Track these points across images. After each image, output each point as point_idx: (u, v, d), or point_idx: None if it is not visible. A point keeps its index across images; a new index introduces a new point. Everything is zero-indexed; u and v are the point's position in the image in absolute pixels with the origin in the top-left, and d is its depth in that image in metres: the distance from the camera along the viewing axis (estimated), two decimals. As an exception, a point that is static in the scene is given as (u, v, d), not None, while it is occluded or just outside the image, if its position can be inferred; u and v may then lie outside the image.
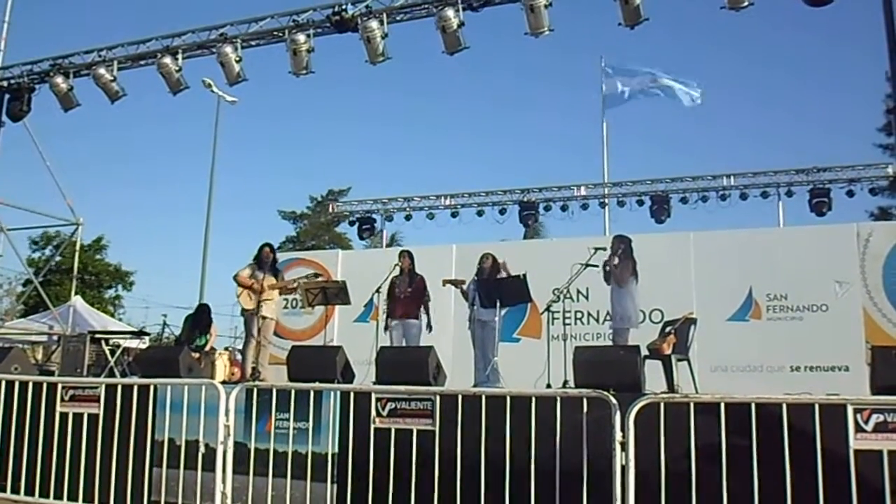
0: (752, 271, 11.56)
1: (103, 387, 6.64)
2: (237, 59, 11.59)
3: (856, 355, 10.54)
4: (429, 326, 9.98)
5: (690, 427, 4.61)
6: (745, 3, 9.10)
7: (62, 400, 6.66)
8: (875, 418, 4.40)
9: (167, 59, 12.00)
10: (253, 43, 11.81)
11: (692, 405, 4.69)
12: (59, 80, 12.75)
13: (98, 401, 6.51)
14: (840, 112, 47.24)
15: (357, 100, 61.63)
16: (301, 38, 11.18)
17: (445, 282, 10.35)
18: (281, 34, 11.46)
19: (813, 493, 4.32)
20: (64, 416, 6.61)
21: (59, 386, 6.79)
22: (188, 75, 12.32)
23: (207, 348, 11.52)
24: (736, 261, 11.64)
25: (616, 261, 9.36)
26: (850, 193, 15.24)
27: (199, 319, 11.70)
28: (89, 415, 6.49)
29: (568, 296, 9.43)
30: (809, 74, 49.86)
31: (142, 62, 12.52)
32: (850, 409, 4.43)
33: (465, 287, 9.86)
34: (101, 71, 12.40)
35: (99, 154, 58.81)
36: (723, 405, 4.61)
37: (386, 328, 9.98)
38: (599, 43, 47.33)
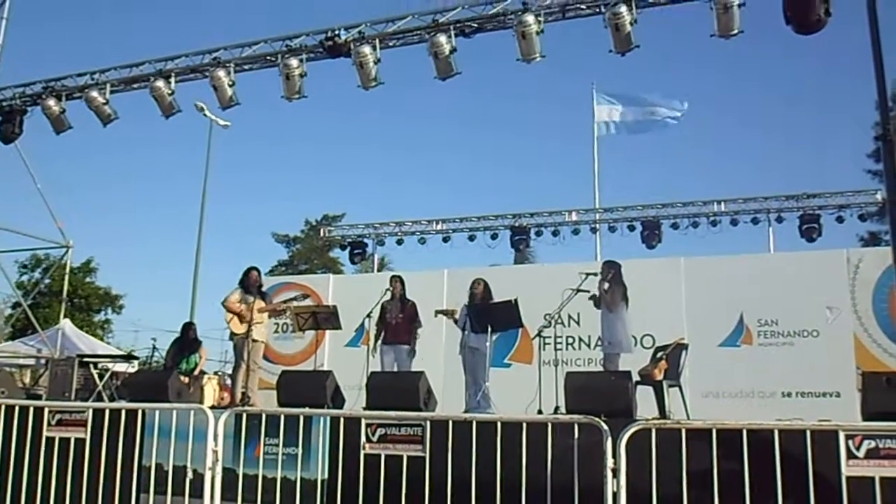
0: (743, 297, 11.60)
1: (91, 411, 6.58)
2: (230, 83, 11.60)
3: (847, 381, 10.56)
4: (412, 352, 9.95)
5: (682, 453, 4.58)
6: (735, 31, 9.17)
7: (49, 424, 6.59)
8: (867, 444, 4.39)
9: (160, 83, 12.00)
10: (246, 67, 11.83)
11: (684, 431, 4.67)
12: (52, 102, 12.73)
13: (85, 425, 6.44)
14: (830, 138, 47.59)
15: (350, 124, 61.81)
16: (294, 62, 11.20)
17: (438, 312, 10.33)
18: (274, 59, 11.49)
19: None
20: (50, 440, 6.53)
21: (46, 410, 6.72)
22: (181, 99, 12.33)
23: (196, 371, 11.40)
24: (727, 286, 11.68)
25: (606, 286, 9.36)
26: (840, 219, 15.33)
27: (185, 340, 11.56)
28: (76, 439, 6.42)
29: (559, 321, 9.42)
30: (800, 101, 50.34)
31: (134, 85, 12.51)
32: (842, 436, 4.42)
33: (456, 317, 9.84)
34: (94, 94, 12.39)
35: (91, 177, 58.85)
36: (714, 431, 4.59)
37: (375, 352, 9.94)
38: (591, 66, 47.58)
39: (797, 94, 49.25)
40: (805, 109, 50.14)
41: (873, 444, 4.40)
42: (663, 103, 19.17)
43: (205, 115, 19.78)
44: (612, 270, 9.52)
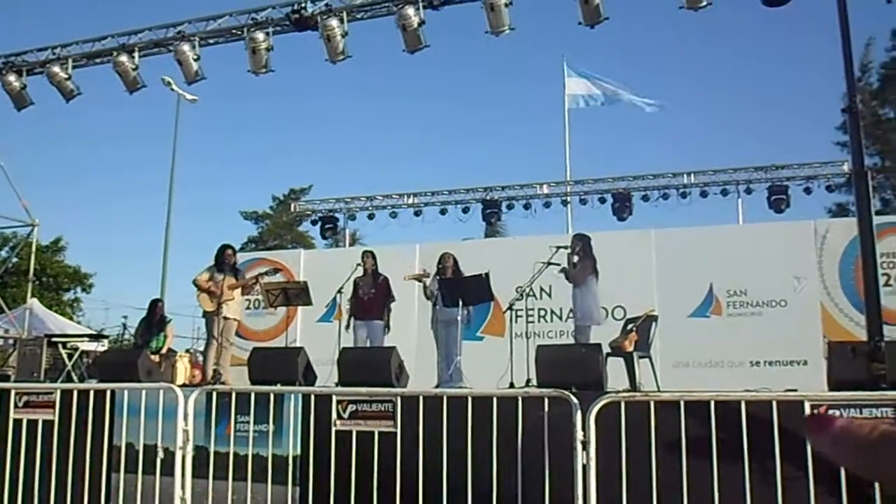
0: (713, 268, 11.72)
1: (59, 392, 6.51)
2: (195, 57, 11.42)
3: (814, 350, 10.70)
4: (386, 327, 9.96)
5: (651, 425, 4.63)
6: (704, 3, 9.17)
7: (16, 406, 6.51)
8: (831, 413, 4.45)
9: (123, 58, 11.79)
10: (211, 41, 11.66)
11: (652, 403, 4.71)
12: (12, 78, 12.47)
13: (53, 406, 6.37)
14: (799, 110, 47.94)
15: (318, 99, 61.27)
16: (260, 36, 11.05)
17: (407, 277, 10.32)
18: (239, 32, 11.32)
19: (772, 488, 4.36)
20: (18, 422, 6.45)
21: (13, 392, 6.64)
22: (147, 74, 12.15)
23: (164, 350, 11.33)
24: (697, 257, 11.79)
25: (576, 259, 9.39)
26: (808, 191, 15.47)
27: (151, 317, 11.48)
28: (44, 421, 6.35)
29: (531, 294, 9.49)
30: (769, 73, 50.57)
31: (97, 60, 12.28)
32: (807, 405, 4.49)
33: (427, 282, 9.83)
34: (56, 69, 12.16)
35: (58, 156, 57.85)
36: (683, 403, 4.64)
37: (347, 327, 9.93)
38: (561, 40, 47.53)
39: (766, 67, 49.51)
40: (773, 81, 50.42)
41: (838, 412, 4.46)
42: (634, 93, 19.24)
43: (171, 89, 19.49)
44: (580, 243, 9.55)
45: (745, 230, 13.47)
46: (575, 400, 4.53)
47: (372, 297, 10.00)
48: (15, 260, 27.11)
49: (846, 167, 15.18)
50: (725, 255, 11.76)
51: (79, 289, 35.33)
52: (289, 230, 37.09)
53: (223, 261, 9.57)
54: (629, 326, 8.87)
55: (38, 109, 12.83)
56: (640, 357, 8.61)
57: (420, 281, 9.95)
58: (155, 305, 11.70)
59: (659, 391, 6.55)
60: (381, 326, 9.97)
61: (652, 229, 12.80)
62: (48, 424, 6.32)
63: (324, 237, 19.29)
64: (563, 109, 19.63)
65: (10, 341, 17.76)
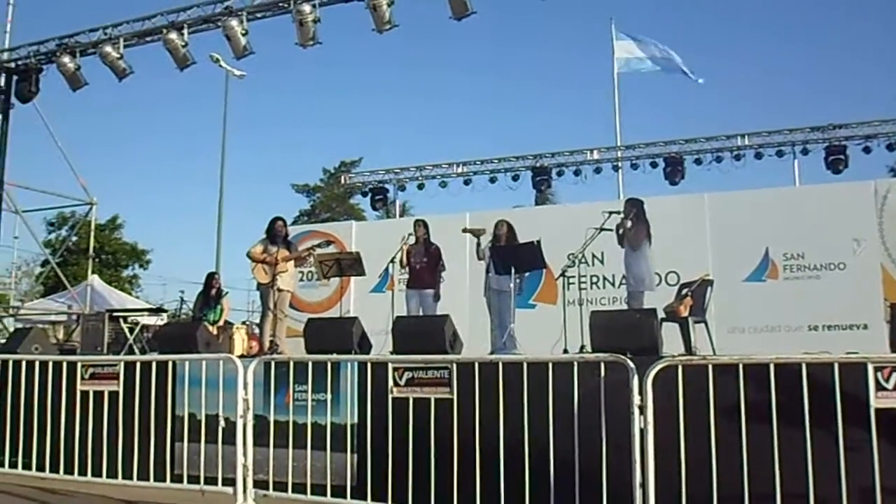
0: (769, 231, 11.50)
1: (122, 364, 6.68)
2: (243, 31, 11.50)
3: (874, 313, 10.49)
4: (437, 296, 10.00)
5: (709, 389, 4.58)
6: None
7: (83, 378, 6.70)
8: (896, 376, 4.36)
9: (173, 35, 11.93)
10: (258, 15, 11.73)
11: (710, 367, 4.66)
12: (66, 59, 12.71)
13: (118, 378, 6.54)
14: (857, 68, 46.53)
15: (366, 71, 61.29)
16: (307, 8, 11.07)
17: (465, 230, 10.34)
18: (286, 5, 11.36)
19: (834, 452, 4.29)
20: (85, 394, 6.65)
21: (79, 364, 6.83)
22: (195, 50, 12.28)
23: (221, 322, 11.54)
24: (752, 221, 11.58)
25: (629, 224, 9.30)
26: (867, 150, 15.03)
27: (208, 291, 11.70)
28: (110, 392, 6.53)
29: (583, 261, 9.41)
30: (825, 29, 49.10)
31: (148, 38, 12.46)
32: (870, 368, 4.38)
33: (482, 239, 9.81)
34: (108, 49, 12.35)
35: (112, 134, 58.99)
36: (741, 366, 4.58)
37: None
38: (610, 3, 46.70)
39: (822, 22, 48.06)
40: (829, 37, 48.97)
41: (902, 375, 4.36)
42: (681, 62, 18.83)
43: (220, 65, 19.64)
44: (634, 208, 9.46)
45: (801, 192, 13.17)
46: (631, 364, 4.50)
47: (424, 266, 10.05)
48: (74, 238, 27.81)
49: (908, 124, 14.72)
50: (781, 217, 11.53)
51: (137, 265, 36.16)
52: (340, 202, 37.36)
53: (275, 233, 9.69)
54: (684, 291, 8.79)
55: (91, 85, 13.06)
56: (696, 322, 8.53)
57: (476, 236, 9.93)
58: (211, 279, 11.90)
59: (716, 355, 6.48)
60: (433, 295, 10.02)
61: (705, 193, 12.59)
62: (113, 395, 6.49)
63: (374, 209, 19.37)
64: (613, 74, 19.35)
65: (74, 317, 18.29)
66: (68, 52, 12.77)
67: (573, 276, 9.84)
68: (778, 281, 11.52)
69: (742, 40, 50.27)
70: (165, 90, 55.98)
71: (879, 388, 4.36)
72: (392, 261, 10.07)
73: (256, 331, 13.09)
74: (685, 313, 8.53)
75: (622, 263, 9.76)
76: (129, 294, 28.51)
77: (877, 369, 4.37)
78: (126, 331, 13.82)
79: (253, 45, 11.66)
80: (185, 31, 11.99)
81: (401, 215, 19.40)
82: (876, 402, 4.35)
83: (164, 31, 12.03)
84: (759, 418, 4.51)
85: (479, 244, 9.85)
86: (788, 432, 4.45)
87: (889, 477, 4.24)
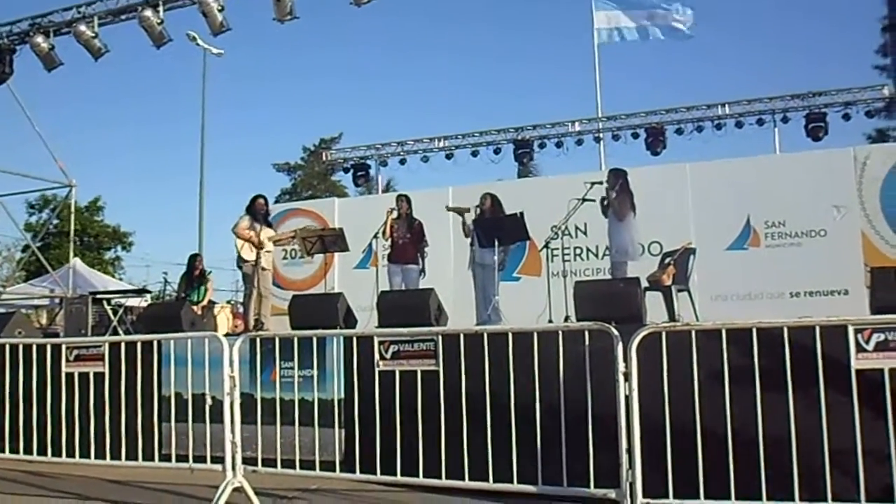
0: (750, 199, 11.58)
1: (107, 345, 6.64)
2: (219, 7, 11.38)
3: (855, 278, 10.61)
4: (422, 271, 10.01)
5: (693, 355, 4.62)
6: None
7: (67, 360, 6.66)
8: (876, 337, 4.41)
9: (148, 12, 11.78)
10: (234, -11, 11.59)
11: (694, 333, 4.70)
12: (40, 39, 12.53)
13: (103, 359, 6.50)
14: (835, 35, 46.61)
15: (344, 48, 60.84)
16: (283, -19, 10.96)
17: (449, 209, 10.33)
18: (263, -21, 11.24)
19: (815, 413, 4.35)
20: (70, 376, 6.61)
21: (64, 347, 6.79)
22: (172, 29, 12.13)
23: (205, 301, 11.52)
24: (733, 190, 11.64)
25: (613, 195, 9.32)
26: (847, 117, 15.13)
27: (192, 272, 11.69)
28: (95, 373, 6.50)
29: (566, 232, 9.46)
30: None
31: (122, 17, 12.29)
32: (850, 330, 4.44)
33: (467, 216, 9.82)
34: (82, 28, 12.19)
35: (91, 117, 58.35)
36: (724, 331, 4.62)
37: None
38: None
39: (800, -10, 48.04)
40: (807, 3, 48.98)
41: (882, 336, 4.41)
42: (665, 6, 18.65)
43: (197, 44, 19.49)
44: (619, 179, 9.47)
45: (782, 160, 13.23)
46: (616, 332, 4.52)
47: (407, 241, 10.04)
48: (56, 221, 27.58)
49: (886, 91, 14.80)
50: (762, 186, 11.60)
51: (119, 247, 35.95)
52: (322, 180, 37.23)
53: (256, 210, 9.65)
54: (667, 260, 8.84)
55: (67, 69, 12.90)
56: (679, 290, 8.60)
57: (460, 214, 9.93)
58: (194, 260, 11.88)
59: (699, 322, 6.53)
60: (416, 271, 10.03)
61: (687, 163, 12.64)
62: (99, 377, 6.46)
63: (356, 185, 19.35)
64: (593, 45, 19.27)
65: (56, 300, 18.19)
66: (41, 32, 12.59)
67: (556, 248, 9.88)
68: (760, 248, 11.60)
69: (723, 4, 50.17)
70: (144, 72, 55.45)
71: (860, 349, 4.42)
72: (375, 235, 10.06)
73: (241, 309, 13.09)
74: (668, 282, 8.59)
75: (605, 234, 9.78)
76: (112, 276, 28.36)
77: (857, 331, 4.43)
78: (110, 313, 13.77)
79: (230, 22, 11.53)
80: (161, 8, 11.84)
81: (384, 191, 19.33)
82: (856, 363, 4.41)
83: (140, 8, 11.87)
84: (742, 382, 4.57)
85: (464, 222, 9.85)
86: (771, 395, 4.51)
87: (869, 437, 4.30)
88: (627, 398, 4.40)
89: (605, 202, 9.36)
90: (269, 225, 9.82)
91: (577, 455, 4.76)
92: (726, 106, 15.76)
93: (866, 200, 11.19)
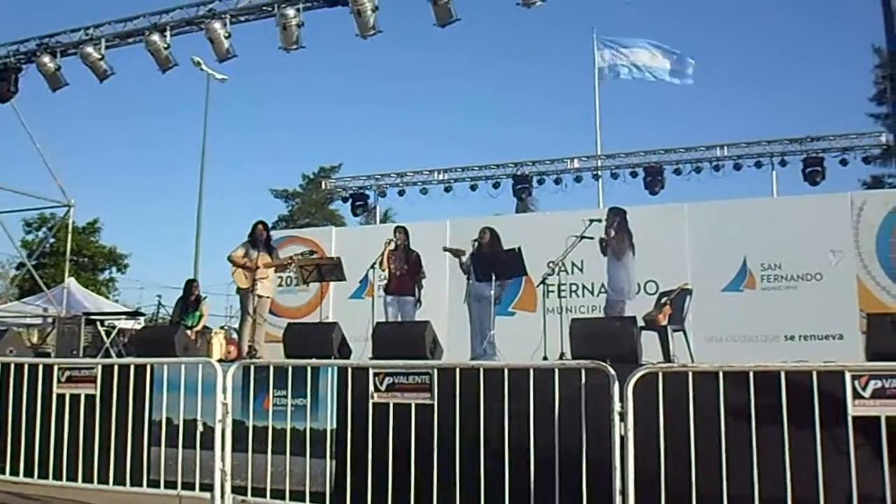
0: (747, 241, 11.59)
1: (100, 367, 6.60)
2: (226, 34, 11.46)
3: (850, 323, 10.60)
4: (418, 302, 10.01)
5: (689, 396, 4.61)
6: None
7: (59, 381, 6.61)
8: (873, 384, 4.40)
9: (155, 37, 11.86)
10: (242, 18, 11.68)
11: (691, 374, 4.69)
12: (47, 59, 12.61)
13: (95, 381, 6.46)
14: (832, 83, 47.10)
15: (347, 77, 61.26)
16: (291, 12, 11.05)
17: (446, 249, 10.35)
18: (270, 9, 11.33)
19: (812, 461, 4.33)
20: (61, 397, 6.56)
21: (56, 367, 6.74)
22: (177, 53, 12.21)
23: (199, 326, 11.48)
24: (730, 231, 11.67)
25: (612, 233, 9.35)
26: (844, 162, 15.24)
27: (187, 298, 11.68)
28: (86, 395, 6.45)
29: (563, 269, 9.46)
30: (804, 43, 49.70)
31: (130, 40, 12.38)
32: (848, 376, 4.42)
33: (463, 259, 9.85)
34: (89, 49, 12.26)
35: (92, 138, 58.48)
36: (721, 374, 4.61)
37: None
38: (591, 12, 46.96)
39: (800, 36, 48.64)
40: (808, 51, 49.56)
41: (879, 383, 4.40)
42: (671, 52, 18.91)
43: (201, 69, 19.60)
44: (617, 217, 9.52)
45: (779, 203, 13.28)
46: (612, 371, 4.51)
47: (404, 273, 10.03)
48: (52, 241, 27.54)
49: (883, 138, 14.92)
50: (759, 228, 11.62)
51: (114, 269, 35.84)
52: (320, 208, 37.27)
53: (256, 237, 9.65)
54: (663, 300, 8.85)
55: (71, 90, 12.96)
56: (674, 330, 8.60)
57: (456, 256, 9.96)
58: (190, 286, 11.88)
59: (695, 363, 6.52)
60: (412, 302, 10.02)
61: (685, 203, 12.67)
62: (90, 399, 6.41)
63: (355, 214, 19.35)
64: (594, 83, 19.46)
65: (49, 320, 18.10)
66: (48, 52, 12.67)
67: (553, 285, 9.87)
68: (755, 291, 11.60)
69: (723, 50, 50.73)
70: (147, 93, 55.70)
71: (857, 395, 4.40)
72: (372, 266, 10.06)
73: (234, 335, 13.03)
74: (664, 322, 8.59)
75: (602, 272, 9.80)
76: (107, 298, 28.25)
77: (854, 377, 4.42)
78: (103, 334, 13.70)
79: (235, 44, 11.62)
80: (168, 33, 11.93)
81: (382, 222, 19.37)
82: (853, 409, 4.39)
83: (147, 32, 11.96)
84: (738, 426, 4.55)
85: (461, 262, 9.89)
86: (768, 440, 4.48)
87: (866, 483, 4.28)
88: (622, 438, 4.38)
89: (604, 242, 9.39)
90: (271, 251, 9.82)
91: (572, 493, 4.73)
92: (725, 148, 15.86)
93: (862, 246, 11.22)
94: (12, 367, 6.75)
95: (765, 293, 11.56)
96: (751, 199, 13.20)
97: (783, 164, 15.48)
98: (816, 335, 11.05)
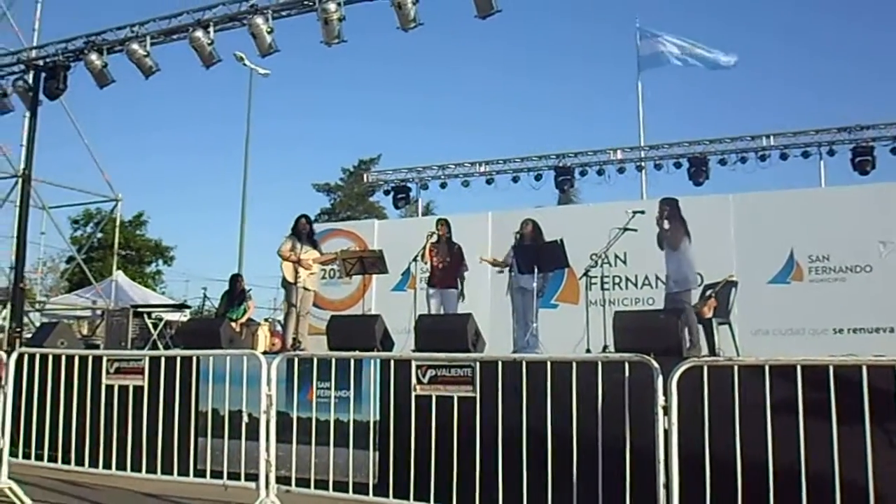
0: (794, 233, 11.41)
1: (147, 359, 6.73)
2: (268, 29, 11.54)
3: (901, 316, 10.38)
4: (461, 295, 10.01)
5: (734, 391, 4.54)
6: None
7: (108, 372, 6.76)
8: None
9: (199, 33, 12.00)
10: (284, 13, 11.75)
11: (736, 368, 4.62)
12: (94, 57, 12.82)
13: (143, 373, 6.59)
14: (885, 66, 46.05)
15: (387, 70, 61.41)
16: (332, 6, 11.09)
17: (483, 260, 10.38)
18: (312, 3, 11.38)
19: (861, 456, 4.24)
20: (110, 388, 6.71)
21: (105, 359, 6.89)
22: (220, 47, 12.34)
23: (243, 319, 11.63)
24: (777, 222, 11.50)
25: (666, 224, 9.23)
26: (895, 151, 14.87)
27: (232, 291, 11.87)
28: (134, 387, 6.57)
29: (606, 261, 9.36)
30: (852, 28, 48.60)
31: (174, 37, 12.53)
32: (899, 372, 4.33)
33: (500, 262, 9.90)
34: (135, 47, 12.45)
35: (137, 131, 59.46)
36: (767, 368, 4.53)
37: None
38: (632, 9, 46.48)
39: (849, 21, 47.58)
40: (857, 37, 48.46)
41: (931, 379, 4.30)
42: (711, 50, 18.66)
43: (244, 64, 19.77)
44: (668, 207, 9.39)
45: (827, 193, 13.04)
46: (656, 364, 4.46)
47: (446, 265, 10.04)
48: (100, 235, 28.08)
49: (936, 125, 14.53)
50: (807, 219, 11.44)
51: (160, 261, 36.43)
52: (361, 201, 37.46)
53: (299, 230, 9.76)
54: (708, 292, 8.73)
55: (118, 86, 13.17)
56: (720, 323, 8.48)
57: (494, 265, 10.02)
58: (236, 280, 12.07)
59: (740, 357, 6.43)
60: (455, 294, 10.03)
61: (730, 194, 12.51)
62: (138, 390, 6.53)
63: (396, 207, 19.37)
64: (636, 73, 19.26)
65: (98, 312, 18.48)
66: (95, 50, 12.88)
67: (596, 277, 9.81)
68: (803, 283, 11.42)
69: (768, 39, 49.86)
70: (189, 85, 56.43)
71: (909, 392, 4.30)
72: (415, 259, 10.09)
73: (279, 328, 13.18)
74: (709, 314, 8.48)
75: (646, 263, 9.70)
76: (153, 290, 28.74)
77: (906, 373, 4.32)
78: (150, 326, 13.95)
79: (277, 38, 11.69)
80: (211, 30, 12.05)
81: (423, 214, 19.39)
82: (905, 406, 4.30)
83: (191, 29, 12.09)
84: (785, 420, 4.48)
85: (500, 270, 9.95)
86: (815, 436, 4.40)
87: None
88: (667, 432, 4.33)
89: (660, 236, 9.28)
90: (315, 244, 9.92)
91: (615, 488, 4.69)
92: (771, 137, 15.56)
93: (914, 237, 10.97)
94: (63, 358, 6.89)
95: (812, 285, 11.37)
96: (798, 189, 12.97)
97: (831, 153, 15.13)
98: (866, 328, 10.84)
